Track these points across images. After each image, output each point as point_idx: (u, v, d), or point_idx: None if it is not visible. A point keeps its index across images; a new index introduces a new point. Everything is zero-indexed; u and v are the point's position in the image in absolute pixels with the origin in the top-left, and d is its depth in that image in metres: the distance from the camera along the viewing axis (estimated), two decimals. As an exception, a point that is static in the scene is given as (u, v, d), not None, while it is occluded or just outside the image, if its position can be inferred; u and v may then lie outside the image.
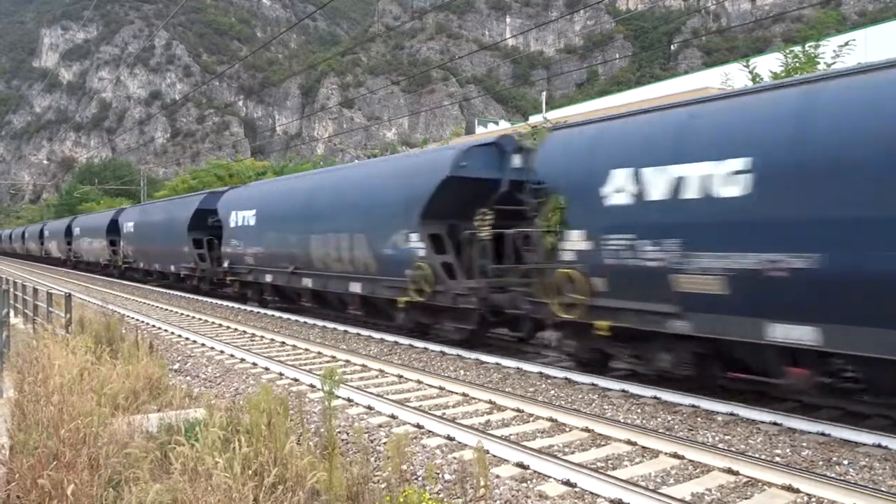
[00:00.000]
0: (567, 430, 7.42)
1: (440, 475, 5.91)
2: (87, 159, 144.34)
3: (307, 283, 16.85)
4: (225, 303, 21.91)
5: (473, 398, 8.86)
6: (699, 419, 7.75)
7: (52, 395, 6.40)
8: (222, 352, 12.88)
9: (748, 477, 5.85)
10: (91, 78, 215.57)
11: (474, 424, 7.54)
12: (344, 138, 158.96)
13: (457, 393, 9.13)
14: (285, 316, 18.13)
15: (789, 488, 5.57)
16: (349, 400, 8.71)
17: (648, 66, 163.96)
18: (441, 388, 9.43)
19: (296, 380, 10.24)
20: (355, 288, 14.89)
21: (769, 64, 13.79)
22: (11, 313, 14.49)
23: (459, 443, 6.91)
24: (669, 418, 7.80)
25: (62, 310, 13.14)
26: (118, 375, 8.12)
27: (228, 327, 16.35)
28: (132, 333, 12.32)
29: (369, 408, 8.36)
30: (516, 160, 11.33)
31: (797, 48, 13.37)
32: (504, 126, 45.54)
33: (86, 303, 20.40)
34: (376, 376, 10.48)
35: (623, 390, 9.07)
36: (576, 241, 9.67)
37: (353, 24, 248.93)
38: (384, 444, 6.78)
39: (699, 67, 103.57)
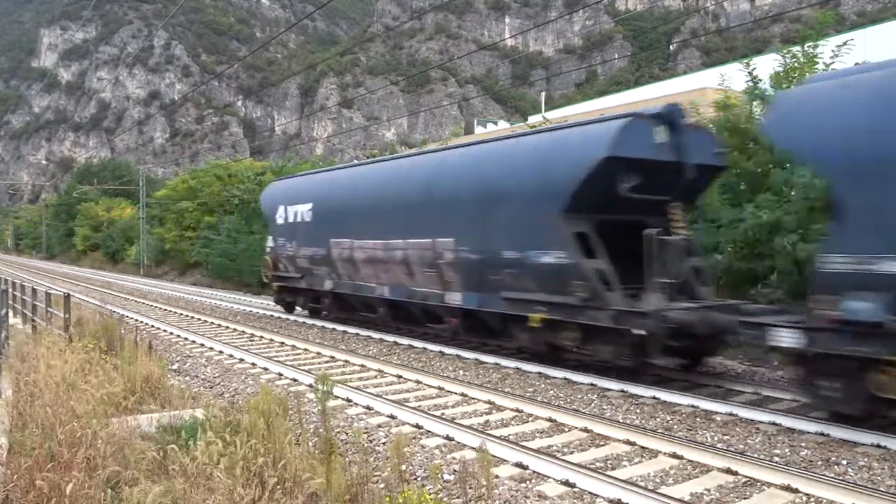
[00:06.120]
0: (566, 430, 7.42)
1: (440, 475, 5.90)
2: (86, 159, 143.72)
3: None
4: (224, 303, 21.85)
5: (472, 398, 8.86)
6: (698, 419, 7.74)
7: (47, 395, 6.39)
8: (221, 352, 12.87)
9: (747, 477, 5.85)
10: (90, 78, 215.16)
11: (473, 424, 7.54)
12: (343, 138, 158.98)
13: (456, 393, 9.12)
14: (283, 316, 18.11)
15: (788, 488, 5.57)
16: (348, 400, 8.70)
17: (647, 66, 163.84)
18: (440, 389, 9.43)
19: (295, 380, 10.23)
20: None
21: (769, 64, 13.75)
22: (10, 313, 14.43)
23: (458, 443, 6.90)
24: (668, 418, 7.80)
25: (61, 310, 13.11)
26: (117, 375, 8.11)
27: (227, 327, 16.34)
28: (131, 333, 12.30)
29: (368, 408, 8.36)
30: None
31: (796, 48, 13.34)
32: (503, 126, 45.47)
33: (85, 303, 20.37)
34: (375, 376, 10.47)
35: (622, 390, 9.07)
36: None
37: (352, 24, 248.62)
38: (383, 444, 6.78)
39: (698, 67, 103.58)
